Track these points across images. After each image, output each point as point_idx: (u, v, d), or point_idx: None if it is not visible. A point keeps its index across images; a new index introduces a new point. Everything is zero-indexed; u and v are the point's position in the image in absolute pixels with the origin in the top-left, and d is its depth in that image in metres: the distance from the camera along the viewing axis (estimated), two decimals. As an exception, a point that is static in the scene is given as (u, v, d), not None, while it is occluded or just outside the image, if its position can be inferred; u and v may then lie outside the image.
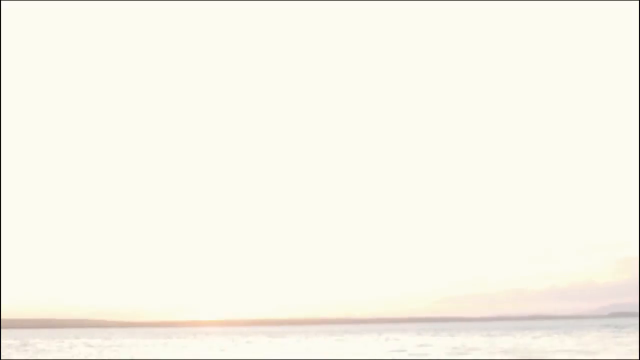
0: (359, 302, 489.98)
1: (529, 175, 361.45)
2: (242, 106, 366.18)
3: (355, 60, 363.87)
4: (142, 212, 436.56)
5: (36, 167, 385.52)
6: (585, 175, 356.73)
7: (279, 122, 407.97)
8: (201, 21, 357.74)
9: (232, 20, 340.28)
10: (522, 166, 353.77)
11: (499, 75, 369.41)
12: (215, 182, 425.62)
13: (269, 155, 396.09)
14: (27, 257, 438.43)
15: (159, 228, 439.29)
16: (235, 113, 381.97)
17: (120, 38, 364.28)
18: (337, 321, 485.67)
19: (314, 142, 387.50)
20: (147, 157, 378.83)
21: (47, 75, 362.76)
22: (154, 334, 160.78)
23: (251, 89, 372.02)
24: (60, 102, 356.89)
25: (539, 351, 45.59)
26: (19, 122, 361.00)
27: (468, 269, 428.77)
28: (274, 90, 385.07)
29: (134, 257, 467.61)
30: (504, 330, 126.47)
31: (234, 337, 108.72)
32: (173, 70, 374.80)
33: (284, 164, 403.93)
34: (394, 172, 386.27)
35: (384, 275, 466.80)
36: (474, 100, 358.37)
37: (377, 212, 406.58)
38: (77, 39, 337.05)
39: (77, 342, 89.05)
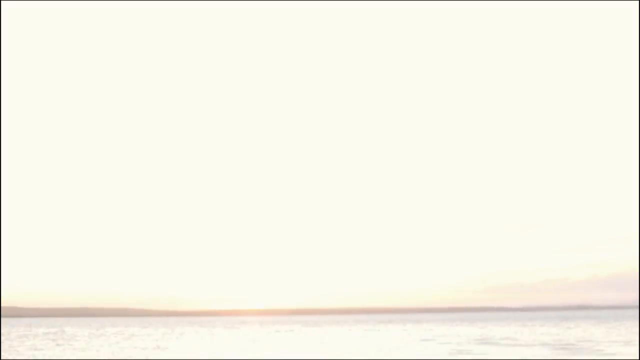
0: (399, 292, 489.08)
1: (571, 165, 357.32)
2: (252, 102, 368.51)
3: (354, 61, 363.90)
4: (186, 204, 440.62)
5: (69, 156, 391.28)
6: (629, 164, 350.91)
7: (298, 115, 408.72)
8: (201, 21, 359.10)
9: (232, 20, 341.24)
10: (565, 158, 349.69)
11: (501, 76, 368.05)
12: (256, 176, 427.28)
13: (306, 151, 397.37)
14: (70, 248, 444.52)
15: (202, 221, 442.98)
16: (247, 108, 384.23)
17: (120, 38, 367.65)
18: (376, 311, 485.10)
19: (342, 134, 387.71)
20: (185, 151, 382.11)
21: (48, 71, 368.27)
22: (191, 322, 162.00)
23: (257, 83, 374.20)
24: (62, 96, 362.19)
25: (567, 341, 44.53)
26: (24, 117, 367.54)
27: (509, 259, 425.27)
28: (281, 85, 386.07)
29: (177, 248, 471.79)
30: (542, 320, 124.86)
31: (269, 327, 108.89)
32: (174, 68, 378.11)
33: (321, 159, 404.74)
34: (433, 164, 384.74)
35: (425, 265, 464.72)
36: (481, 92, 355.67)
37: (417, 203, 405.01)
38: (77, 39, 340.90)
39: (110, 331, 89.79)
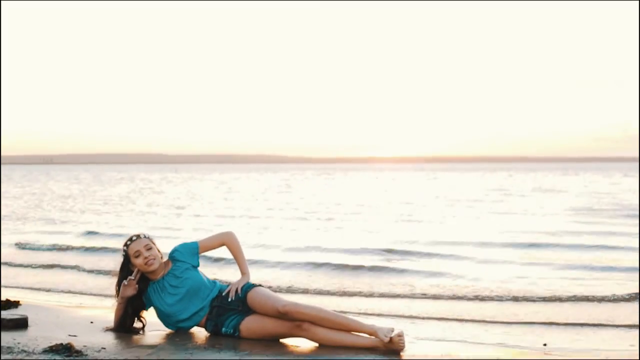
0: (534, 140, 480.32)
1: None
2: None
3: None
4: (318, 52, 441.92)
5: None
6: None
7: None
8: None
9: None
10: None
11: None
12: (392, 28, 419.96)
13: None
14: (214, 101, 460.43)
15: (342, 70, 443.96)
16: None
17: None
18: (511, 159, 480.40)
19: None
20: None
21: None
22: (322, 169, 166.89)
23: None
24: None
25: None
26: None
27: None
28: None
29: (317, 98, 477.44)
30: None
31: (406, 173, 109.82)
32: None
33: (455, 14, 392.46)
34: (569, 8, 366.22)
35: (561, 113, 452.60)
36: None
37: (551, 48, 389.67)
38: None
39: (241, 176, 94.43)
